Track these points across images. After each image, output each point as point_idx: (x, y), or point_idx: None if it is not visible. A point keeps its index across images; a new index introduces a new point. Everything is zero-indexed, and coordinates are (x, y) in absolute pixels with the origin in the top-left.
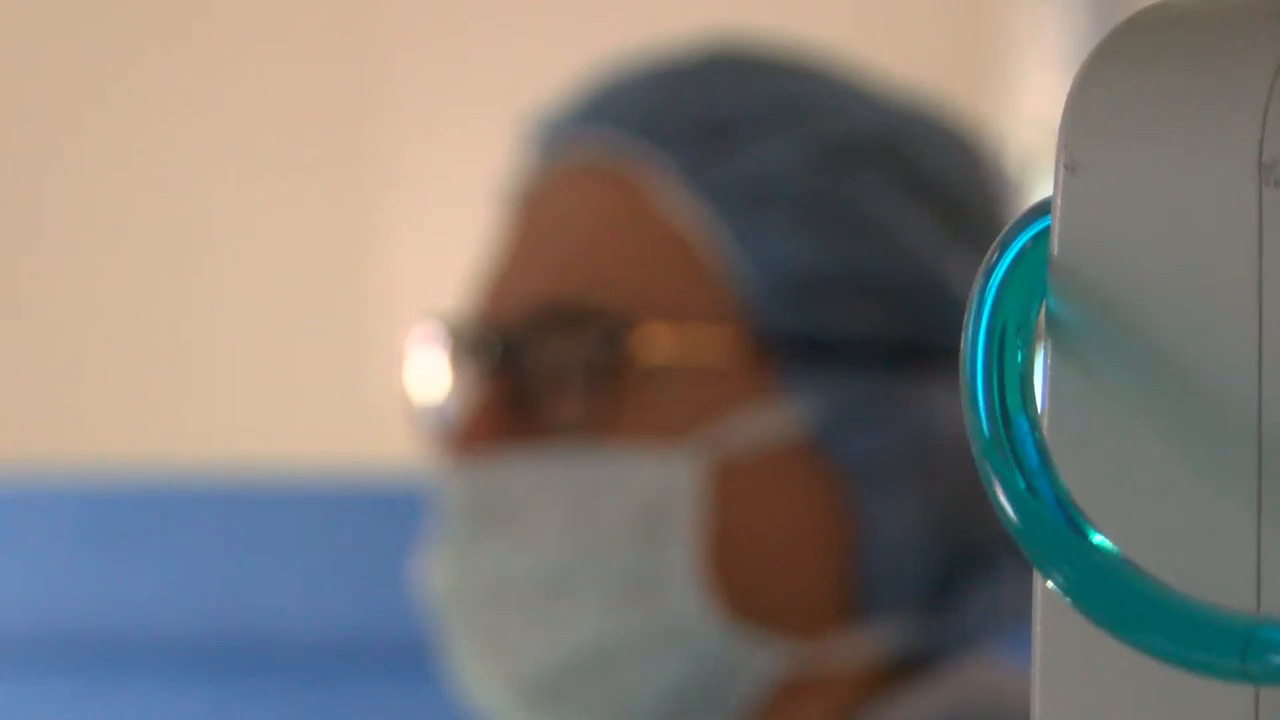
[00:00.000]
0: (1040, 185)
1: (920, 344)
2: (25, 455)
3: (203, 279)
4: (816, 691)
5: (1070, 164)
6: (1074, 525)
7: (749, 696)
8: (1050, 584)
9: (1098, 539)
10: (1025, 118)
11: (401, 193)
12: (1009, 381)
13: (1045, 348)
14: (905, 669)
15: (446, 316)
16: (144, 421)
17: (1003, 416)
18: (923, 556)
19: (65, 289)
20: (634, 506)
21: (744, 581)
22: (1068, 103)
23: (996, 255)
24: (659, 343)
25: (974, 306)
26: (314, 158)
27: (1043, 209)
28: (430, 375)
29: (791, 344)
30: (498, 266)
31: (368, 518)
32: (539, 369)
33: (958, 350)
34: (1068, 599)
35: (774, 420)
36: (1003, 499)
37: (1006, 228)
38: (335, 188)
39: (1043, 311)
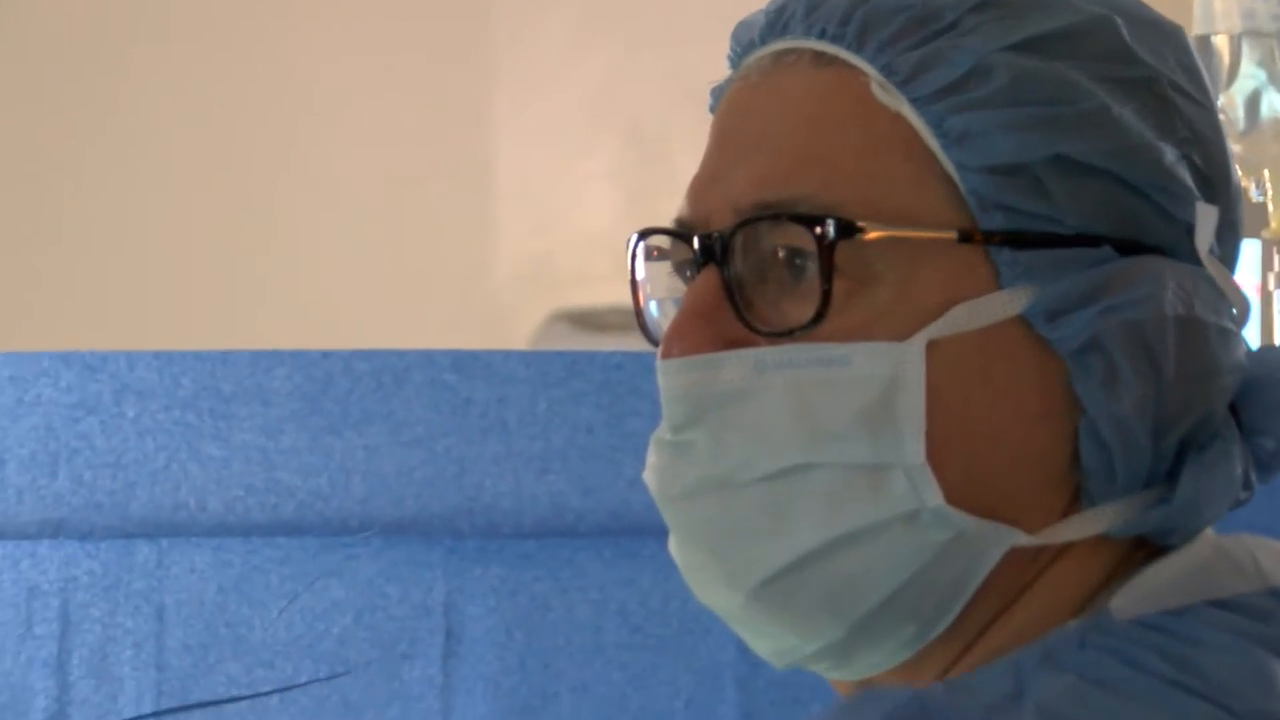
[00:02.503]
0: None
1: (1132, 232)
2: (248, 343)
3: (341, 184)
4: (1049, 574)
5: None
6: None
7: (980, 582)
8: None
9: None
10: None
11: (509, 93)
12: None
13: None
14: (1138, 550)
15: (666, 225)
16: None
17: None
18: (1146, 438)
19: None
20: (861, 401)
21: (972, 469)
22: None
23: None
24: (878, 239)
25: None
26: (431, 70)
27: None
28: (649, 281)
29: (1006, 236)
30: (708, 171)
31: (575, 399)
32: (758, 269)
33: (1173, 239)
34: None
35: (993, 311)
36: None
37: None
38: (450, 90)
39: None
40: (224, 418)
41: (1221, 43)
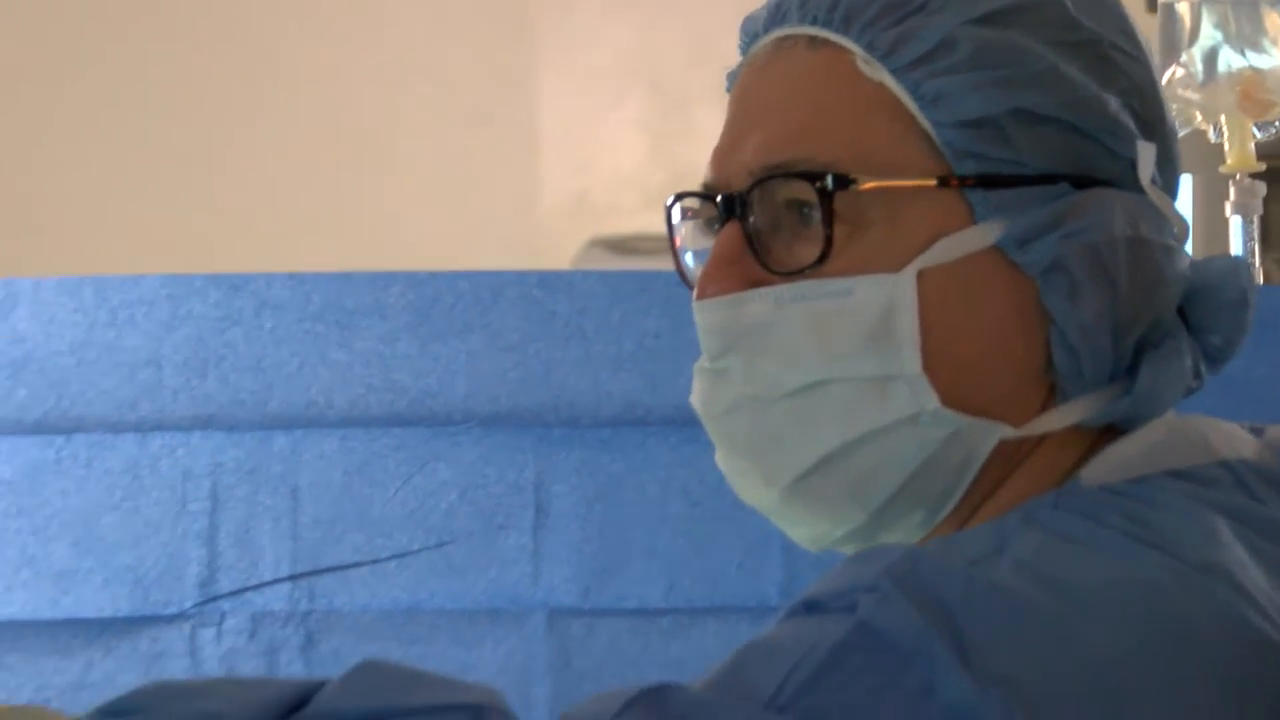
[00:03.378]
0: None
1: (1084, 169)
2: (360, 265)
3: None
4: (1033, 458)
5: None
6: None
7: (976, 470)
8: None
9: None
10: None
11: (552, 54)
12: None
13: None
14: (1106, 434)
15: (695, 189)
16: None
17: None
18: (1108, 341)
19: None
20: (865, 324)
21: (962, 376)
22: None
23: None
24: (870, 189)
25: None
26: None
27: None
28: (684, 235)
29: (978, 179)
30: (726, 141)
31: (643, 310)
32: (771, 220)
33: (1119, 173)
34: None
35: (971, 242)
36: None
37: None
38: (501, 52)
39: None
40: (347, 328)
41: (1184, 9)
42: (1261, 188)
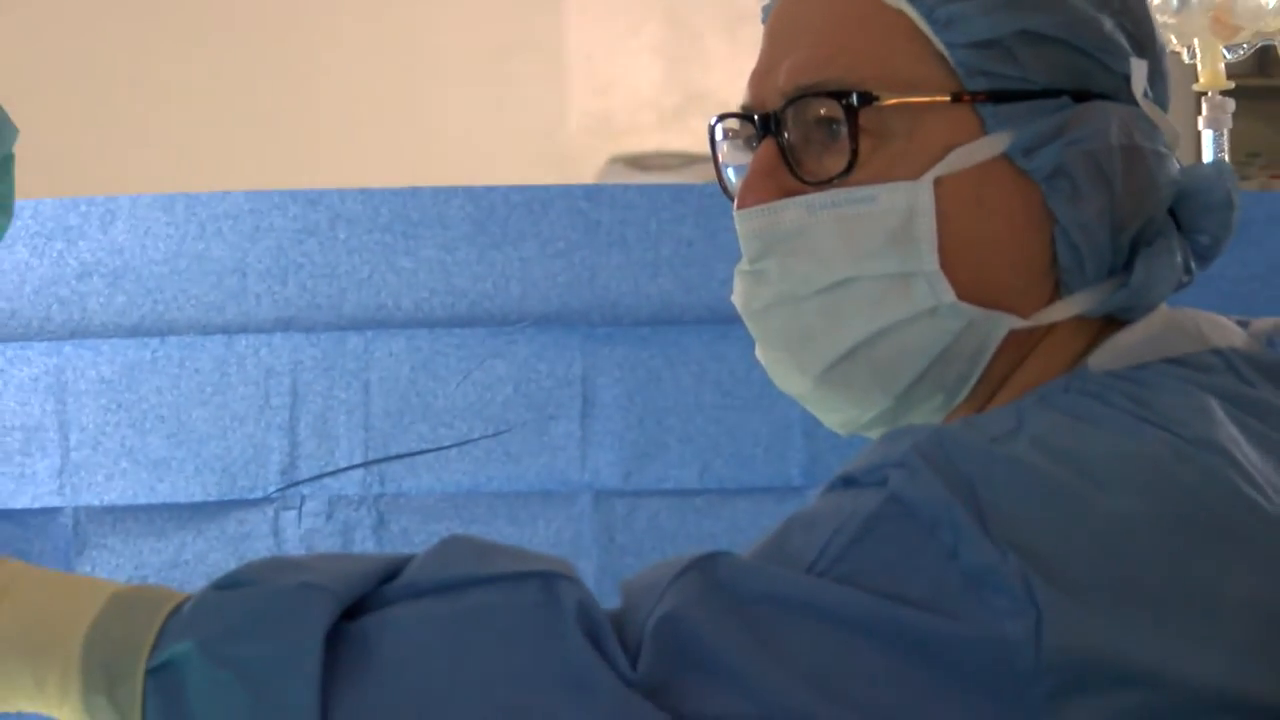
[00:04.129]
0: None
1: (1083, 84)
2: (407, 180)
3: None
4: (1041, 347)
5: None
6: None
7: (989, 358)
8: None
9: None
10: None
11: None
12: None
13: None
14: (1108, 327)
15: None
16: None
17: None
18: (1106, 238)
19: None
20: (888, 227)
21: (976, 272)
22: None
23: None
24: (892, 105)
25: None
26: None
27: None
28: (725, 152)
29: (988, 94)
30: (762, 66)
31: (678, 220)
32: (803, 136)
33: (1115, 87)
34: None
35: (982, 152)
36: None
37: None
38: None
39: None
40: (413, 238)
41: None
42: (1230, 104)
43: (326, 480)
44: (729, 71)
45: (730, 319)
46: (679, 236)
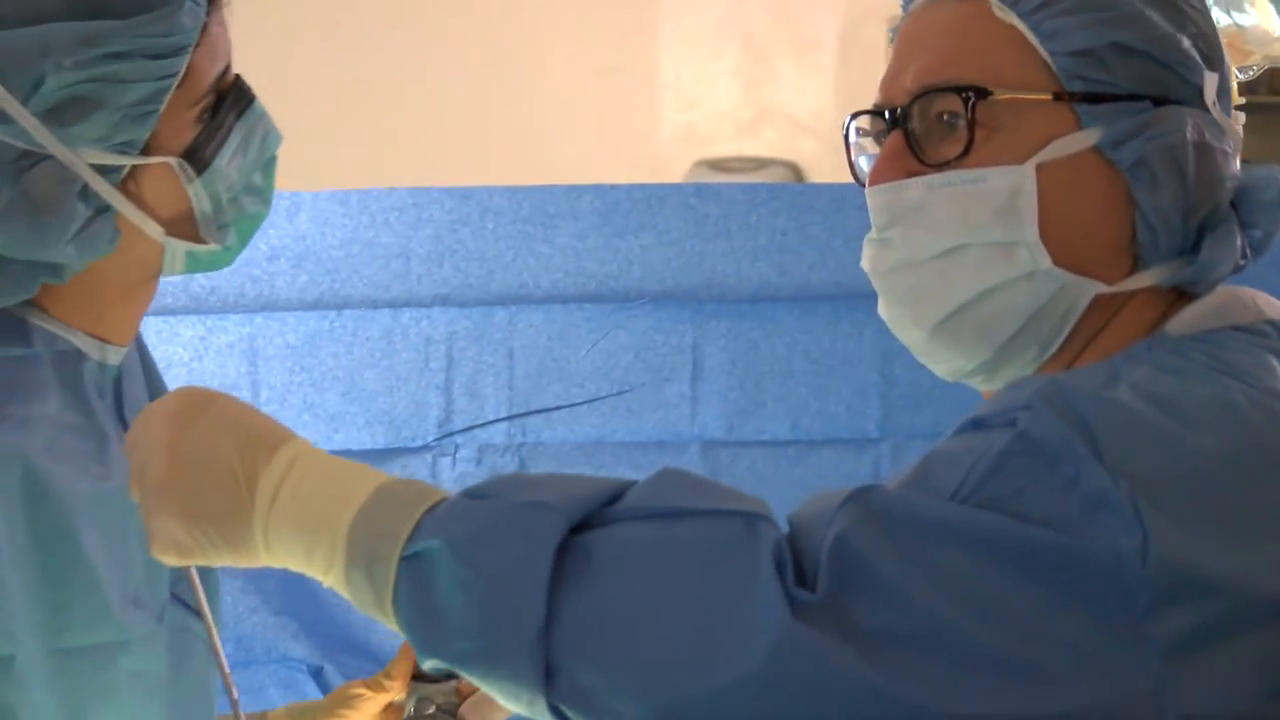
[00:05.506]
0: None
1: (1163, 91)
2: (531, 180)
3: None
4: (1122, 313)
5: None
6: None
7: (1078, 317)
8: None
9: None
10: None
11: (668, 18)
12: None
13: None
14: (1179, 300)
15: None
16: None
17: None
18: (1178, 221)
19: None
20: (996, 203)
21: (1069, 243)
22: None
23: None
24: (1003, 100)
25: None
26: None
27: None
28: (859, 141)
29: (1084, 96)
30: (891, 72)
31: (774, 214)
32: (925, 126)
33: (1189, 95)
34: None
35: (1076, 143)
36: None
37: None
38: (630, 19)
39: None
40: (550, 228)
41: None
42: (1241, 117)
43: (476, 431)
44: (795, 90)
45: (817, 297)
46: (774, 228)
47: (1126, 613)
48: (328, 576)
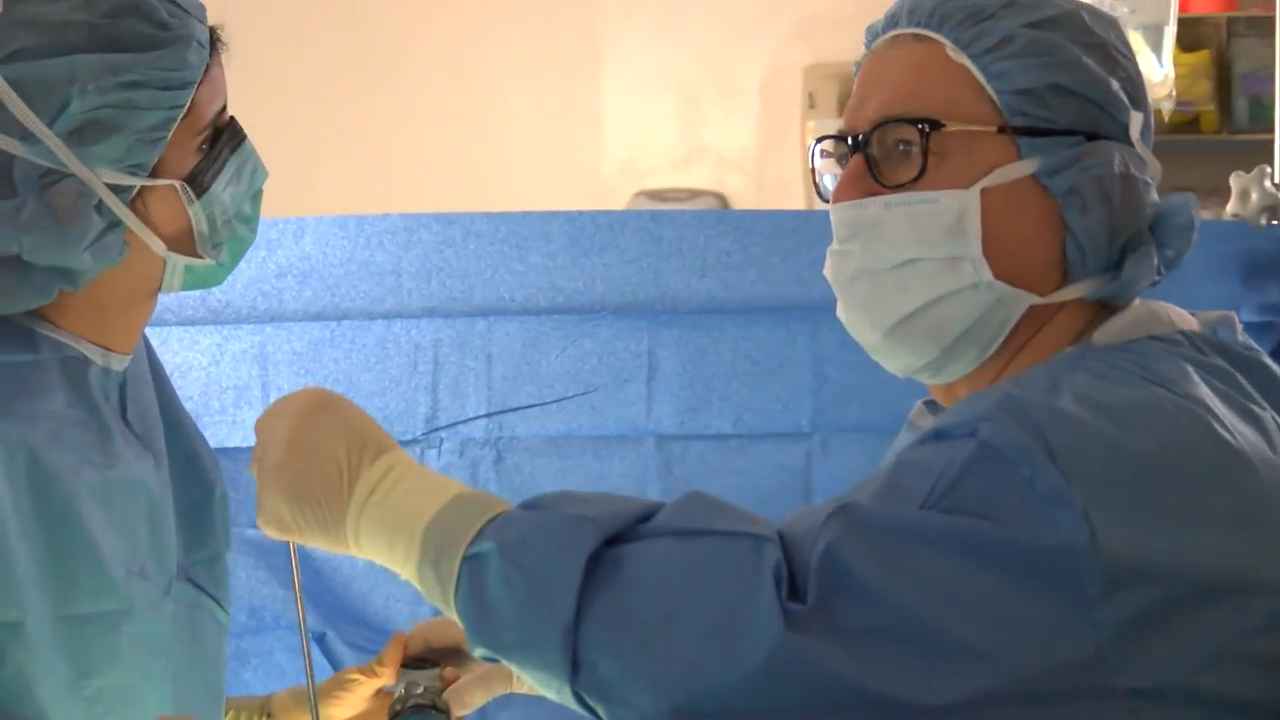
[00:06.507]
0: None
1: (1094, 127)
2: (486, 208)
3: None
4: (1053, 321)
5: None
6: None
7: (1014, 323)
8: None
9: None
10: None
11: (612, 66)
12: None
13: None
14: (1101, 311)
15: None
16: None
17: None
18: (1104, 242)
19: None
20: (945, 222)
21: (1008, 259)
22: None
23: None
24: (954, 131)
25: None
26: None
27: None
28: (822, 164)
29: (1025, 129)
30: (854, 102)
31: (719, 236)
32: (884, 152)
33: (1117, 132)
34: None
35: (1017, 171)
36: None
37: None
38: (574, 66)
39: None
40: (524, 249)
41: None
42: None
43: (459, 427)
44: (722, 130)
45: (758, 309)
46: (720, 249)
47: (1081, 598)
48: (405, 570)
